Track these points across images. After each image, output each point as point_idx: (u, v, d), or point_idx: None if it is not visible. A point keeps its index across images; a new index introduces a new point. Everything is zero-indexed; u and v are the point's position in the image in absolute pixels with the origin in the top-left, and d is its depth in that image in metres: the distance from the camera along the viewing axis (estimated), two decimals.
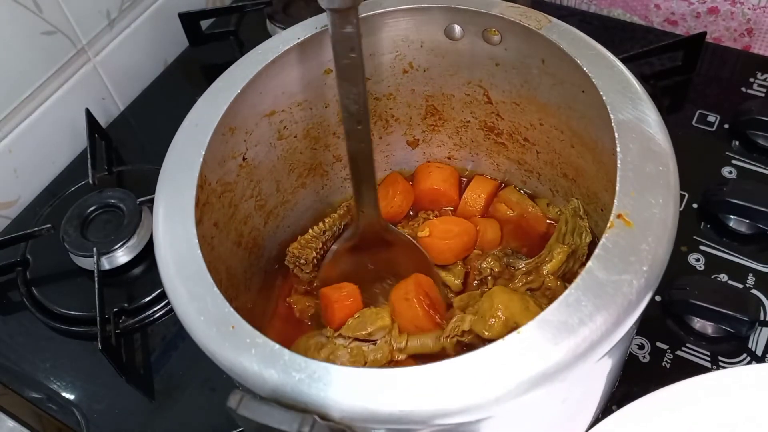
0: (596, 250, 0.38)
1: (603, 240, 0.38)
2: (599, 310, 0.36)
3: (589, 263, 0.38)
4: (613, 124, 0.43)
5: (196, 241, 0.44)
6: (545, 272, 0.57)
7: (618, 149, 0.42)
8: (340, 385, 0.36)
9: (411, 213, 0.68)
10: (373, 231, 0.61)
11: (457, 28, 0.55)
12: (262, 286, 0.62)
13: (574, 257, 0.58)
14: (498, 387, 0.35)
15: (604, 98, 0.45)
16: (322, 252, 0.63)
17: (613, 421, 0.49)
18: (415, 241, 0.63)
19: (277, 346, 0.38)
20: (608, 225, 0.39)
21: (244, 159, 0.55)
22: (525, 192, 0.66)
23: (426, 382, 0.35)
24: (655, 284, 0.38)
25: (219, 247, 0.52)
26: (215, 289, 0.41)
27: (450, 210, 0.67)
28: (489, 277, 0.60)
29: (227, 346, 0.39)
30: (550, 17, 0.51)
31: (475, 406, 0.35)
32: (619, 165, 0.41)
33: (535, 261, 0.59)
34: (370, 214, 0.59)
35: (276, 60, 0.53)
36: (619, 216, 0.39)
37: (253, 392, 0.38)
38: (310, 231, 0.62)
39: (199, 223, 0.45)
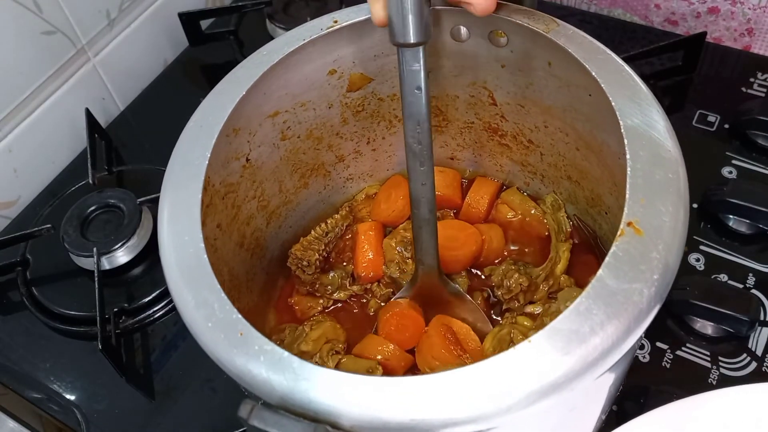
0: (607, 258, 0.38)
1: (613, 248, 0.38)
2: (610, 318, 0.36)
3: (600, 271, 0.38)
4: (622, 131, 0.43)
5: (202, 245, 0.43)
6: (558, 273, 0.58)
7: (627, 156, 0.42)
8: (349, 394, 0.36)
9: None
10: (430, 286, 0.58)
11: (463, 30, 0.55)
12: (264, 287, 0.61)
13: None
14: (509, 396, 0.35)
15: (612, 104, 0.44)
16: (324, 253, 0.62)
17: None
18: (476, 303, 0.60)
19: (286, 353, 0.38)
20: (618, 233, 0.39)
21: (247, 160, 0.55)
22: (527, 194, 0.66)
23: (437, 391, 0.35)
24: (665, 292, 0.38)
25: (222, 249, 0.52)
26: (223, 295, 0.41)
27: (452, 212, 0.67)
28: (519, 293, 0.58)
29: (236, 353, 0.39)
30: (557, 20, 0.50)
31: (485, 415, 0.35)
32: (629, 172, 0.41)
33: (549, 265, 0.59)
34: (430, 266, 0.56)
35: (281, 61, 0.53)
36: (629, 224, 0.39)
37: (262, 400, 0.38)
38: (313, 232, 0.62)
39: (203, 225, 0.45)
